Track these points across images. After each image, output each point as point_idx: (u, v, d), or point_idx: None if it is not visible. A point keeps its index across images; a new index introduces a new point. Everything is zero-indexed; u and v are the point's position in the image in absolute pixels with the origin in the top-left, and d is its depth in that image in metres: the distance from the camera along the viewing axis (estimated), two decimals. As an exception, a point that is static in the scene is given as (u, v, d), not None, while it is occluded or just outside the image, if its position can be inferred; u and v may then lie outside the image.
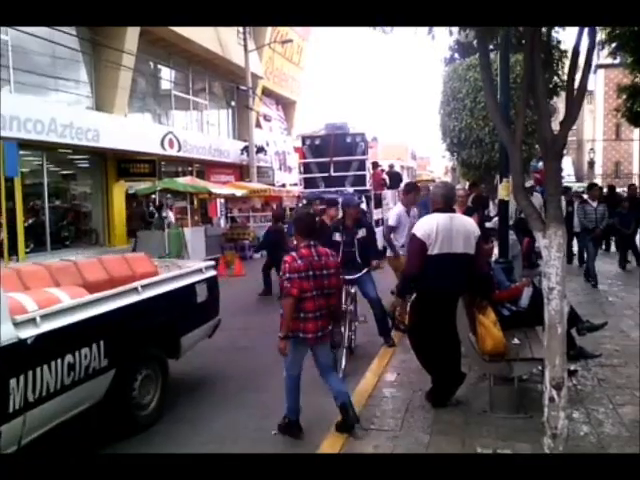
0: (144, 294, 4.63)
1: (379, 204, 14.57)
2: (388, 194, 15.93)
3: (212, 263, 5.99)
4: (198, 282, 5.46)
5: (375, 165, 16.06)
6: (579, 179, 41.41)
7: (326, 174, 13.98)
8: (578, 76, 3.16)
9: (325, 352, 4.37)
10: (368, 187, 14.02)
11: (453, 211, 4.48)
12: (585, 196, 11.85)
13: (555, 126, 3.32)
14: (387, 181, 17.17)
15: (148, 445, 4.29)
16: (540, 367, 4.65)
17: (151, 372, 4.73)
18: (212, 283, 5.70)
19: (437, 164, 56.79)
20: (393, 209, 8.14)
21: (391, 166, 19.47)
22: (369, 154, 14.94)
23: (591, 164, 42.77)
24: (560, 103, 10.42)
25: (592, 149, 43.52)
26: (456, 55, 15.14)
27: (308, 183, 14.66)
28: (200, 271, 5.61)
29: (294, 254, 4.21)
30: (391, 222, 7.24)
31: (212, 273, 5.79)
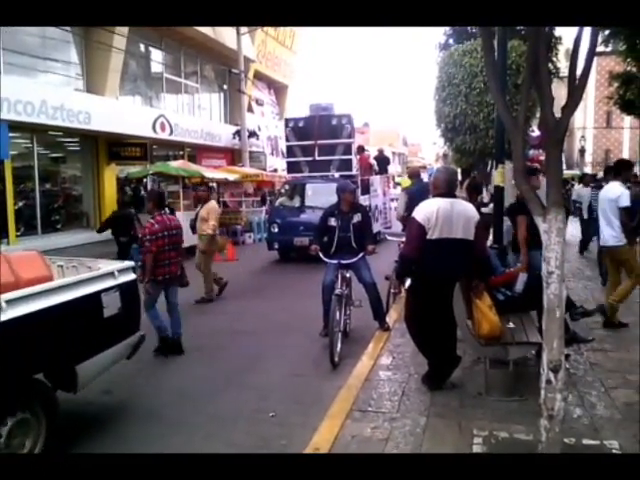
0: (10, 312, 3.37)
1: (366, 190, 14.01)
2: (376, 180, 15.47)
3: (130, 264, 4.71)
4: (106, 290, 4.19)
5: (361, 149, 15.54)
6: (569, 167, 41.58)
7: (310, 158, 13.46)
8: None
9: (174, 291, 6.07)
10: (354, 172, 13.48)
11: (454, 196, 4.49)
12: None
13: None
14: (375, 166, 16.63)
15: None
16: (534, 351, 4.76)
17: (29, 415, 3.59)
18: (129, 290, 4.47)
19: (428, 151, 56.90)
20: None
21: (380, 150, 18.98)
22: (356, 138, 14.36)
23: (582, 152, 42.88)
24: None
25: (583, 137, 43.54)
26: (451, 41, 15.08)
27: (292, 167, 14.16)
28: (111, 275, 4.32)
29: (152, 221, 5.76)
30: None
31: (130, 277, 4.53)
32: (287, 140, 14.14)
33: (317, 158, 13.37)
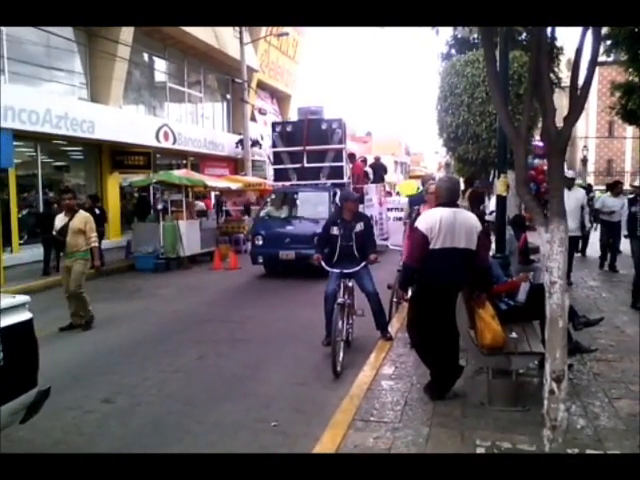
0: None
1: (360, 200, 13.57)
2: (371, 189, 14.86)
3: (24, 300, 3.55)
4: None
5: (353, 157, 14.83)
6: (572, 176, 41.52)
7: (298, 165, 12.59)
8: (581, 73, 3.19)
9: None
10: (345, 180, 12.72)
11: (457, 206, 4.50)
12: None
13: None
14: (370, 174, 16.00)
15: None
16: (537, 361, 4.74)
17: None
18: (18, 335, 3.39)
19: (430, 160, 57.11)
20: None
21: (377, 158, 18.54)
22: (347, 144, 13.67)
23: (584, 161, 42.99)
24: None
25: (585, 146, 43.66)
26: (453, 51, 15.13)
27: (279, 175, 13.20)
28: None
29: None
30: None
31: (21, 317, 3.44)
32: (274, 146, 13.19)
33: (306, 165, 12.60)
